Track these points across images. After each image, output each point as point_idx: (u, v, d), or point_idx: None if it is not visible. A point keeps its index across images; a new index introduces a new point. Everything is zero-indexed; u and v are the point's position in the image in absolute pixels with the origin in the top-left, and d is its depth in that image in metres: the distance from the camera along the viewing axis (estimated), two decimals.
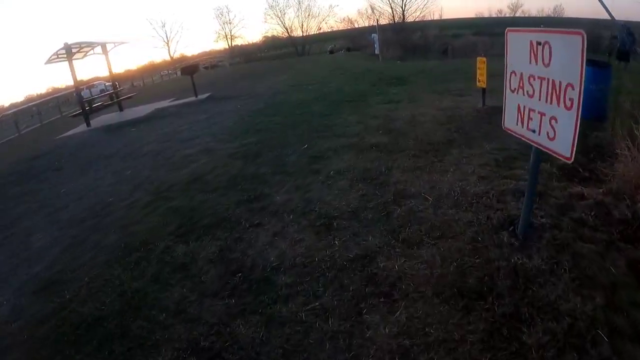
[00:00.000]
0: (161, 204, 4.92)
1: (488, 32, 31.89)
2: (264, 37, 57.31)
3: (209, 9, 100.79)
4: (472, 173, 4.24)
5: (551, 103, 2.29)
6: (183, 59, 56.00)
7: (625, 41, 12.26)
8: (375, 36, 21.36)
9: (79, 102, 14.38)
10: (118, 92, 17.55)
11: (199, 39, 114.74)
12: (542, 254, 2.69)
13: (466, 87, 9.44)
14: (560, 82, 2.18)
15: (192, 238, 3.81)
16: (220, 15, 54.99)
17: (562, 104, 2.19)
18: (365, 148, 5.49)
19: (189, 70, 16.19)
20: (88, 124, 13.68)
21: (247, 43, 56.40)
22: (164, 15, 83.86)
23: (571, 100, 2.12)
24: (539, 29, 2.45)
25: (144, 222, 4.49)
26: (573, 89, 2.09)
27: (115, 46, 17.09)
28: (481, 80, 6.76)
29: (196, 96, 15.39)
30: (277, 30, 52.95)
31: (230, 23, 55.36)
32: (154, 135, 9.49)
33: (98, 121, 14.52)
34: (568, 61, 2.10)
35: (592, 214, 3.14)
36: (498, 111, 6.72)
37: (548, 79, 2.29)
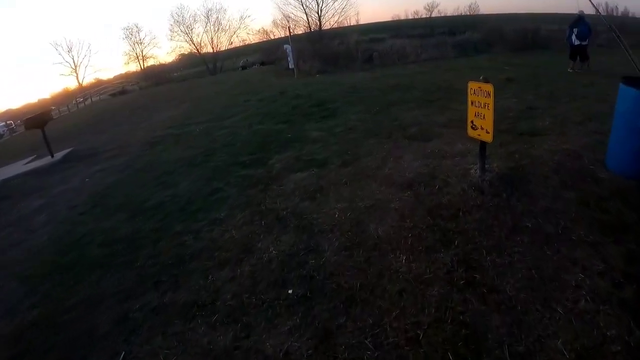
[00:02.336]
0: None
1: (407, 34, 30.73)
2: (181, 55, 53.03)
3: (117, 29, 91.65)
4: None
5: None
6: (99, 83, 51.21)
7: (583, 35, 10.15)
8: (288, 47, 18.10)
9: None
10: None
11: (113, 62, 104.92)
12: None
13: (424, 117, 6.33)
14: None
15: None
16: (130, 35, 49.84)
17: None
18: None
19: (36, 123, 11.23)
20: None
21: (162, 62, 52.25)
22: (71, 39, 75.55)
23: None
24: None
25: None
26: None
27: None
28: (483, 127, 3.51)
29: (52, 156, 10.82)
30: (184, 48, 48.62)
31: (141, 43, 50.61)
32: None
33: None
34: None
35: None
36: (515, 188, 3.46)
37: None
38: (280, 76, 19.17)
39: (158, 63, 52.96)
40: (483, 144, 3.69)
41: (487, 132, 3.50)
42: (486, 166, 3.85)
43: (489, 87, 3.36)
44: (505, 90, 8.20)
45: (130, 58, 52.14)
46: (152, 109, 16.54)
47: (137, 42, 51.01)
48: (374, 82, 11.34)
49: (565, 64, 10.97)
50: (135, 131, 11.52)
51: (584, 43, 10.18)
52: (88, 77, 53.47)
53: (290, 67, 18.02)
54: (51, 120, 13.29)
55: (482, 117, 3.50)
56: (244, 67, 37.35)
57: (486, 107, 3.42)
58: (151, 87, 41.79)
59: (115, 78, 56.42)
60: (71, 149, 11.47)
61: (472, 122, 3.64)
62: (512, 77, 9.54)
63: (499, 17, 32.50)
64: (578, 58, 10.37)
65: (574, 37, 10.25)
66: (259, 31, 53.97)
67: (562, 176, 3.80)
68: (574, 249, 2.69)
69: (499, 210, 3.20)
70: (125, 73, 56.84)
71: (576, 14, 10.48)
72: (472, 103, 3.58)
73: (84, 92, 42.69)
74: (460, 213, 3.25)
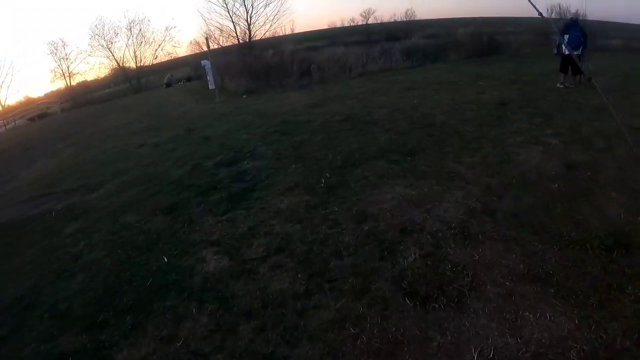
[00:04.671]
0: None
1: (343, 42, 28.53)
2: (113, 69, 47.79)
3: (42, 43, 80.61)
4: None
5: None
6: (29, 102, 45.17)
7: (575, 43, 7.86)
8: (207, 64, 14.55)
9: None
10: None
11: (40, 80, 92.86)
12: None
13: (419, 208, 3.27)
14: None
15: None
16: (55, 51, 43.83)
17: None
18: None
19: None
20: None
21: (91, 79, 47.01)
22: None
23: None
24: None
25: None
26: None
27: None
28: None
29: None
30: (104, 64, 43.29)
31: (67, 59, 44.80)
32: None
33: None
34: None
35: None
36: None
37: None
38: (202, 98, 15.54)
39: (85, 80, 47.97)
40: None
41: None
42: None
43: None
44: (510, 125, 5.48)
45: (56, 75, 46.59)
46: (36, 153, 12.35)
47: (63, 58, 45.50)
48: (314, 110, 8.22)
49: (543, 74, 8.89)
50: None
51: (576, 52, 7.89)
52: (14, 97, 47.72)
53: (210, 87, 14.47)
54: None
55: None
56: (168, 84, 32.82)
57: None
58: (72, 108, 37.26)
59: (46, 96, 52.05)
60: None
61: None
62: (504, 99, 6.92)
63: (436, 22, 31.28)
64: (570, 71, 8.11)
65: (564, 45, 7.94)
66: (190, 43, 49.39)
67: None
68: None
69: None
70: (57, 90, 51.46)
71: (568, 18, 8.28)
72: None
73: (8, 113, 37.72)
74: None
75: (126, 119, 15.46)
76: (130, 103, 24.86)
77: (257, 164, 5.03)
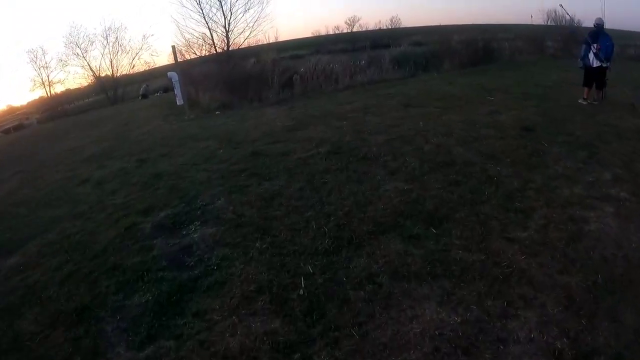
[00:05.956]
0: None
1: (328, 50, 27.28)
2: (96, 79, 46.14)
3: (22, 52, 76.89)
4: None
5: None
6: (10, 111, 44.15)
7: (606, 53, 6.62)
8: (174, 76, 12.90)
9: None
10: None
11: (23, 88, 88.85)
12: None
13: None
14: None
15: None
16: (35, 59, 41.80)
17: None
18: None
19: None
20: None
21: (73, 88, 45.31)
22: None
23: None
24: None
25: None
26: None
27: None
28: None
29: None
30: (79, 74, 41.30)
31: (47, 67, 42.86)
32: None
33: None
34: None
35: None
36: None
37: None
38: (172, 114, 13.84)
39: (68, 89, 46.34)
40: None
41: None
42: None
43: None
44: (552, 163, 4.06)
45: (35, 84, 44.83)
46: None
47: (43, 67, 43.62)
48: (294, 135, 6.68)
49: (550, 86, 8.30)
50: None
51: (605, 65, 6.61)
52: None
53: (178, 103, 12.82)
54: None
55: None
56: (144, 96, 30.81)
57: None
58: (48, 120, 35.37)
59: (28, 105, 50.64)
60: None
61: None
62: (527, 122, 5.54)
63: (422, 29, 30.25)
64: (594, 85, 6.83)
65: (592, 55, 6.64)
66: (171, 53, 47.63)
67: None
68: None
69: None
70: (39, 99, 49.80)
71: (592, 25, 6.90)
72: None
73: None
74: None
75: (86, 138, 13.67)
76: (99, 118, 22.93)
77: (209, 233, 3.45)
